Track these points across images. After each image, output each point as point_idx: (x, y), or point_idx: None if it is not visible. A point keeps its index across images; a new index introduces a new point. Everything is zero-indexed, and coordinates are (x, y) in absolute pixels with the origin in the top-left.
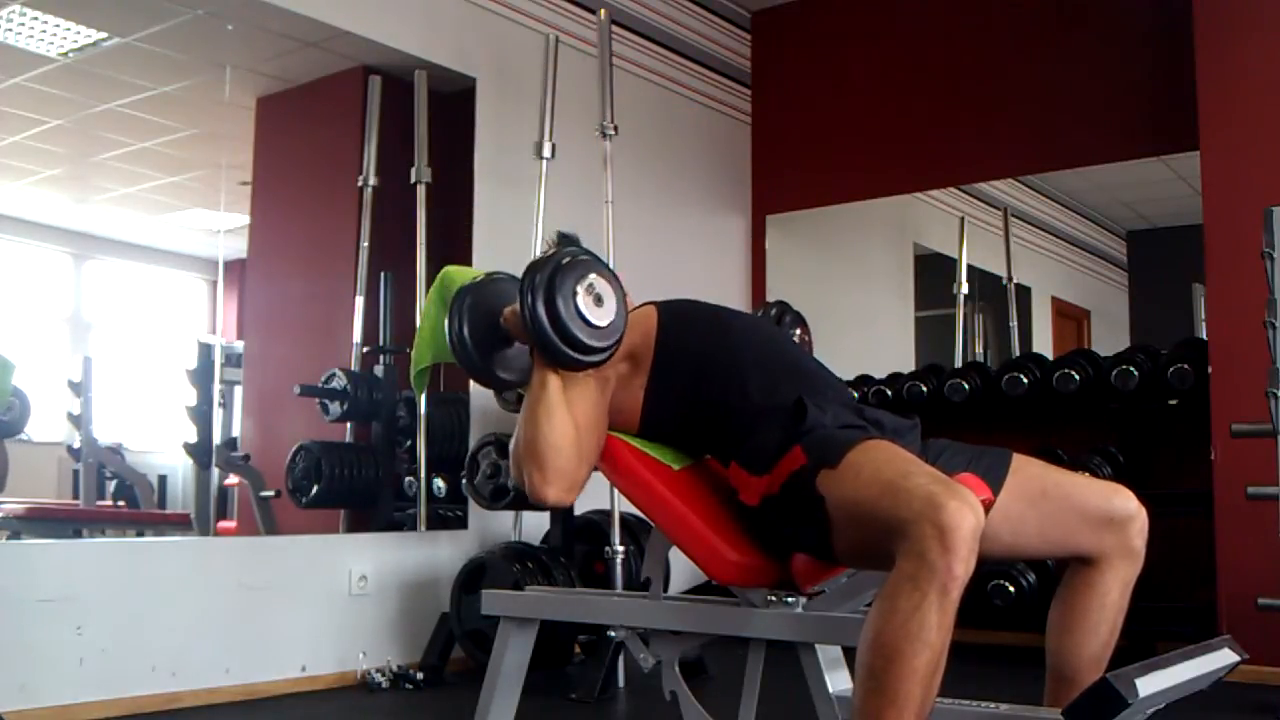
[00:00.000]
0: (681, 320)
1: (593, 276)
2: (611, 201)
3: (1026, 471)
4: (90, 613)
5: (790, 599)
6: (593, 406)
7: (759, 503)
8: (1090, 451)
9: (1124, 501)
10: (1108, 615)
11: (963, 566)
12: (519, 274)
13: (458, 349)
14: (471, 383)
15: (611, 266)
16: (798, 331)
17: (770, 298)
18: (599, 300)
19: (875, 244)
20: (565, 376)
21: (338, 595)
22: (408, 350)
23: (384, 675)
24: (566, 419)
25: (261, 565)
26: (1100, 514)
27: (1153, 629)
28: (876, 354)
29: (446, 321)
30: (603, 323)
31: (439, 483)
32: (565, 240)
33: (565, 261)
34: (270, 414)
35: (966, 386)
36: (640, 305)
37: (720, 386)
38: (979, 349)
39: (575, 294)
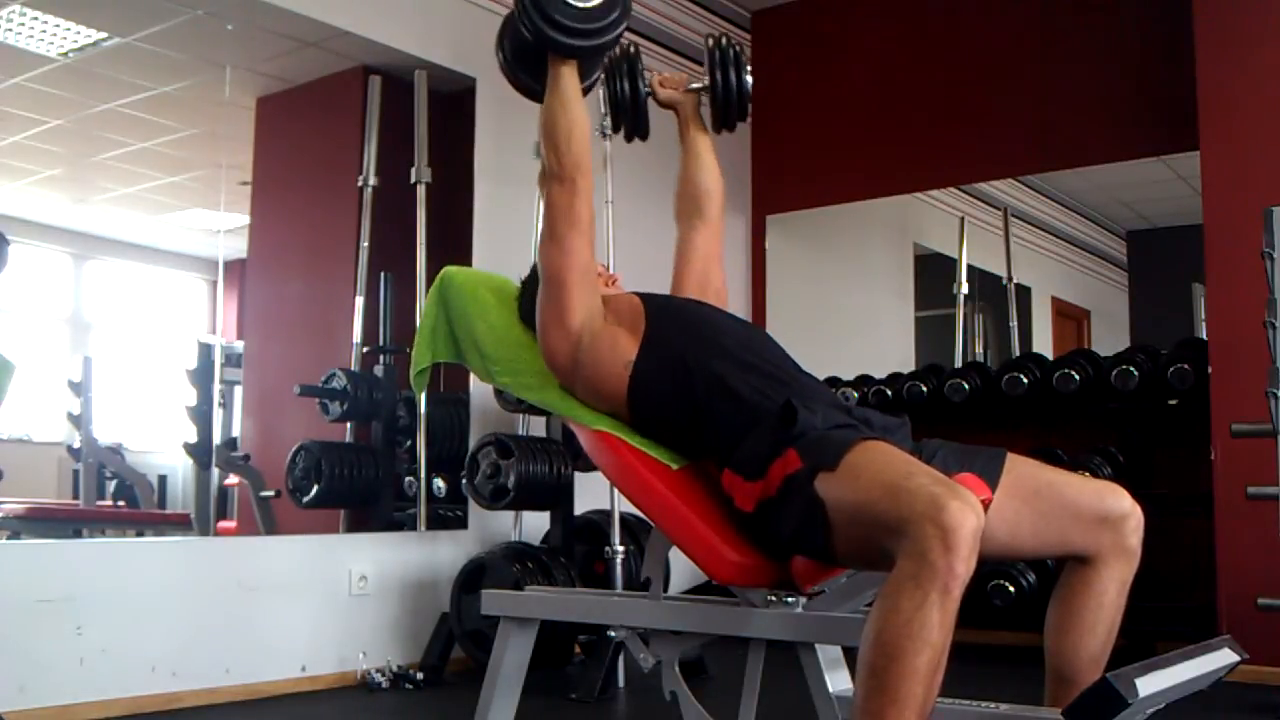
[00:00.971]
0: (666, 318)
1: None
2: (611, 201)
3: (1021, 471)
4: (90, 613)
5: (790, 599)
6: (592, 239)
7: (754, 508)
8: (1090, 451)
9: (1118, 500)
10: (1105, 614)
11: (964, 566)
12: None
13: (506, 70)
14: (472, 383)
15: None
16: (749, 67)
17: (770, 298)
18: None
19: (875, 244)
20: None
21: (338, 595)
22: (408, 350)
23: (384, 675)
24: (581, 110)
25: (261, 565)
26: (1095, 513)
27: (1153, 629)
28: (876, 354)
29: (498, 47)
30: (589, 3)
31: (439, 483)
32: None
33: None
34: (270, 414)
35: (966, 386)
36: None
37: (705, 389)
38: (979, 349)
39: None
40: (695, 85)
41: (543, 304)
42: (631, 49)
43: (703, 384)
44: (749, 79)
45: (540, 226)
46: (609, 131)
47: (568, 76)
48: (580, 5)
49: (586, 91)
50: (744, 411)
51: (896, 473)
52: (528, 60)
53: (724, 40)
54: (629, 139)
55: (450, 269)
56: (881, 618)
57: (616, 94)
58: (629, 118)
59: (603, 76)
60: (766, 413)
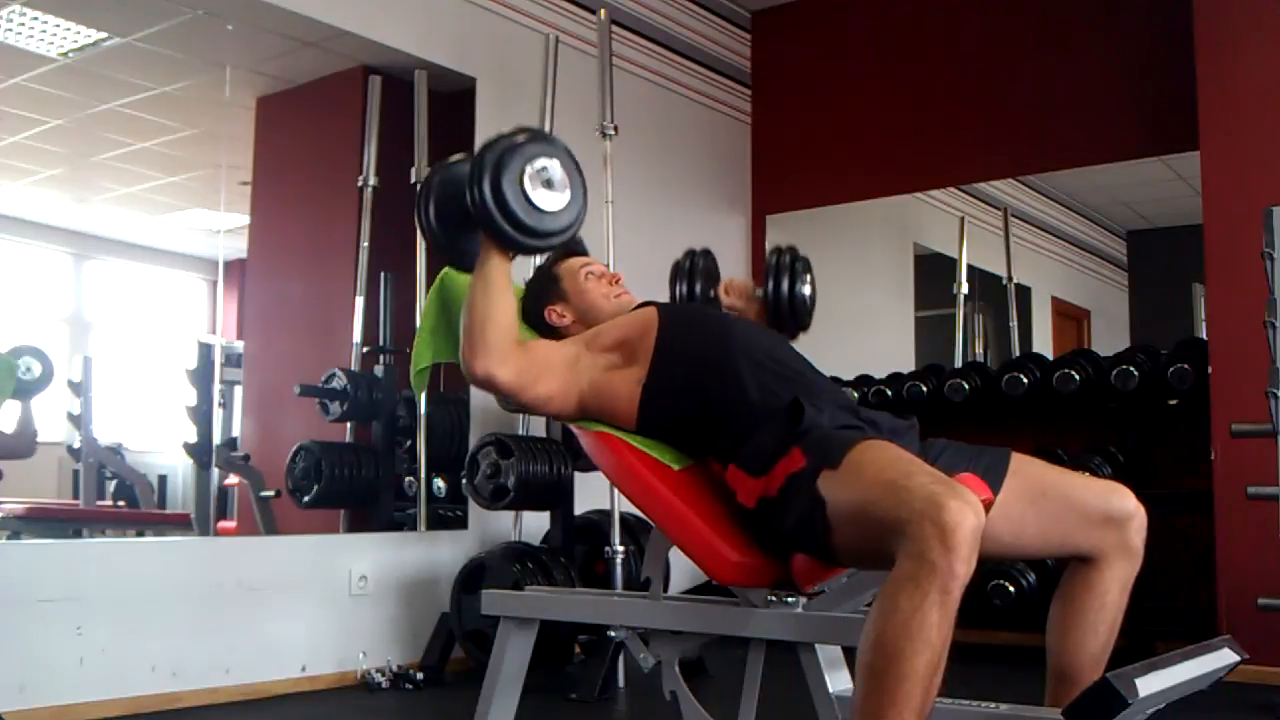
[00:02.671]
0: (681, 322)
1: (543, 160)
2: (611, 201)
3: (1025, 471)
4: (90, 613)
5: (790, 599)
6: (561, 350)
7: (756, 504)
8: (1090, 451)
9: (1122, 500)
10: (1107, 614)
11: (964, 566)
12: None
13: (426, 230)
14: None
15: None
16: (808, 276)
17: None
18: (549, 184)
19: (875, 244)
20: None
21: (338, 595)
22: (408, 350)
23: (384, 675)
24: (508, 299)
25: (261, 565)
26: (1099, 513)
27: (1153, 629)
28: (876, 354)
29: (417, 201)
30: (550, 207)
31: (439, 483)
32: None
33: (519, 140)
34: (270, 414)
35: (966, 386)
36: (641, 305)
37: (718, 389)
38: (979, 349)
39: (522, 174)
40: (759, 292)
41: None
42: (699, 255)
43: (716, 383)
44: (806, 290)
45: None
46: (609, 132)
47: (499, 263)
48: (544, 209)
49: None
50: (752, 409)
51: (897, 472)
52: (453, 222)
53: (785, 252)
54: None
55: (450, 269)
56: (880, 618)
57: (680, 298)
58: None
59: (670, 278)
60: (774, 411)
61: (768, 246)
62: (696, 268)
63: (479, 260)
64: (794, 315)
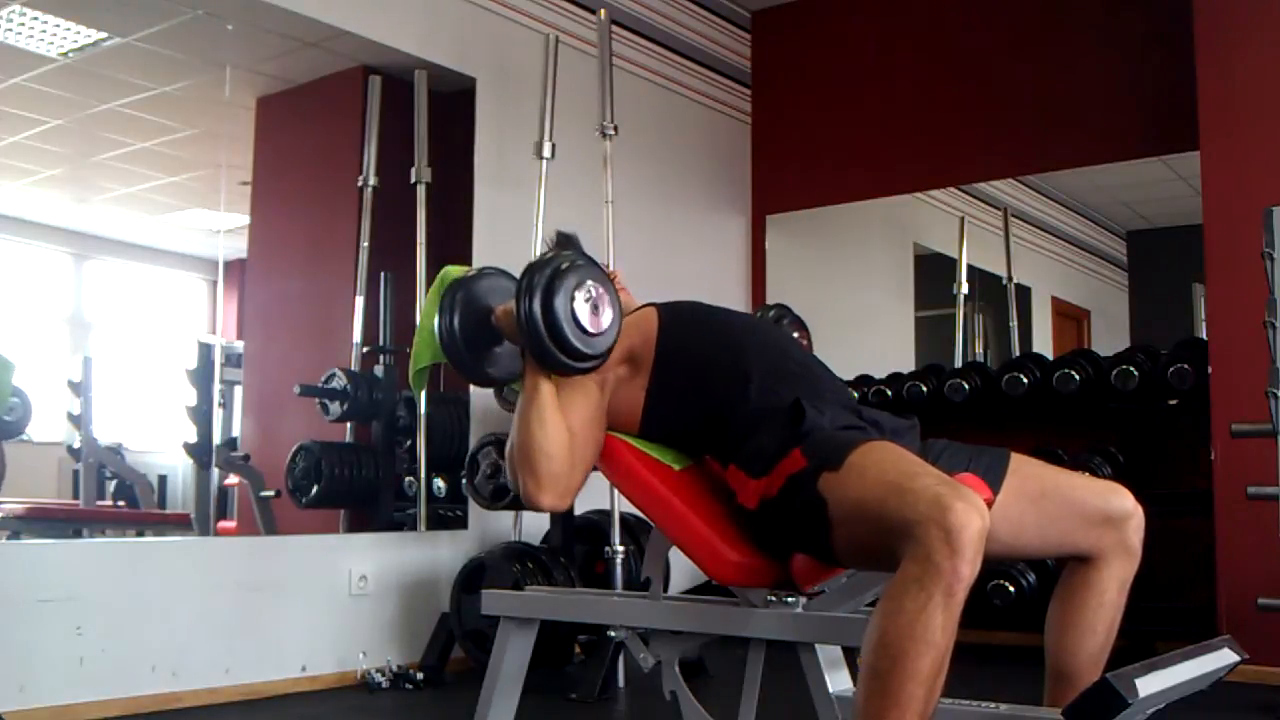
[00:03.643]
0: (682, 322)
1: (590, 282)
2: (611, 201)
3: (1025, 471)
4: (90, 613)
5: (790, 599)
6: (590, 408)
7: (757, 505)
8: (1090, 451)
9: (1121, 500)
10: (1106, 614)
11: (969, 568)
12: (515, 271)
13: (447, 344)
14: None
15: (610, 266)
16: (796, 335)
17: (770, 298)
18: (595, 307)
19: (875, 244)
20: (560, 380)
21: (338, 595)
22: (407, 350)
23: (384, 675)
24: (560, 424)
25: (261, 565)
26: (1098, 513)
27: (1153, 629)
28: (876, 354)
29: (437, 316)
30: (598, 330)
31: (439, 483)
32: (564, 240)
33: (564, 266)
34: (270, 414)
35: (966, 386)
36: (640, 306)
37: (721, 388)
38: (979, 349)
39: (573, 299)
40: None
41: None
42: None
43: (717, 381)
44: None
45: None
46: (609, 132)
47: (547, 388)
48: (593, 331)
49: None
50: (753, 409)
51: (901, 473)
52: (477, 338)
53: (774, 310)
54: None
55: (450, 269)
56: (885, 619)
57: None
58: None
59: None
60: (775, 411)
61: (768, 246)
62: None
63: (526, 387)
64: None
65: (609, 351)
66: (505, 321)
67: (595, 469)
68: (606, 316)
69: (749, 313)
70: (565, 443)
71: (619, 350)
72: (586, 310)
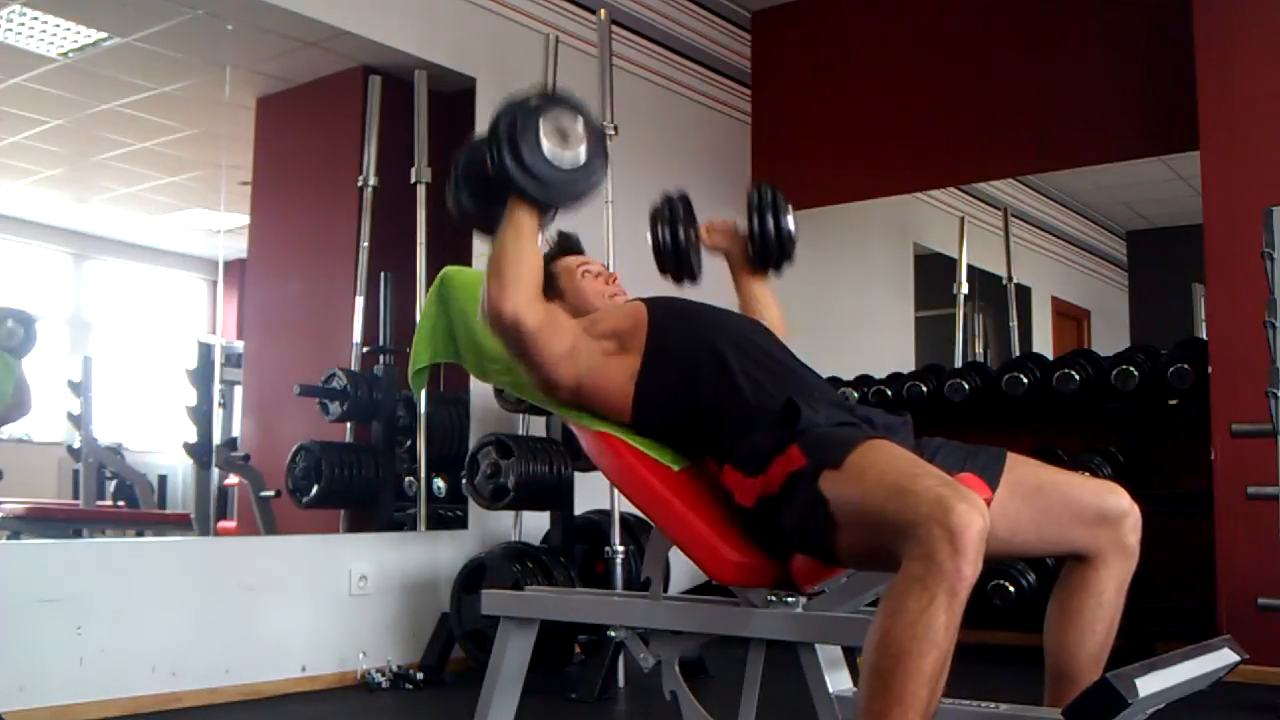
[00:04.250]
0: (671, 319)
1: (560, 114)
2: (611, 201)
3: (1021, 470)
4: (90, 613)
5: (790, 599)
6: (567, 322)
7: (755, 504)
8: (1090, 451)
9: (1117, 499)
10: (1104, 613)
11: (971, 568)
12: None
13: (459, 210)
14: (472, 383)
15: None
16: (790, 213)
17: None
18: (564, 137)
19: (875, 244)
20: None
21: (338, 595)
22: (408, 350)
23: (384, 675)
24: (534, 245)
25: (261, 565)
26: (1094, 511)
27: (1152, 629)
28: (876, 354)
29: (448, 187)
30: (565, 163)
31: (439, 483)
32: (565, 240)
33: (531, 102)
34: (270, 414)
35: (966, 386)
36: (629, 300)
37: (711, 387)
38: (979, 349)
39: (538, 130)
40: (743, 231)
41: (533, 382)
42: (676, 198)
43: (708, 381)
44: (789, 223)
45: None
46: (609, 132)
47: (526, 218)
48: (561, 167)
49: (542, 228)
50: (746, 408)
51: (902, 474)
52: (482, 191)
53: (764, 188)
54: (678, 283)
55: (450, 269)
56: (887, 619)
57: (663, 242)
58: (675, 264)
59: (650, 223)
60: (769, 409)
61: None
62: (676, 213)
63: (508, 212)
64: (780, 250)
65: (585, 185)
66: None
67: (595, 469)
68: (578, 150)
69: (738, 312)
70: (538, 262)
71: (606, 326)
72: (555, 138)
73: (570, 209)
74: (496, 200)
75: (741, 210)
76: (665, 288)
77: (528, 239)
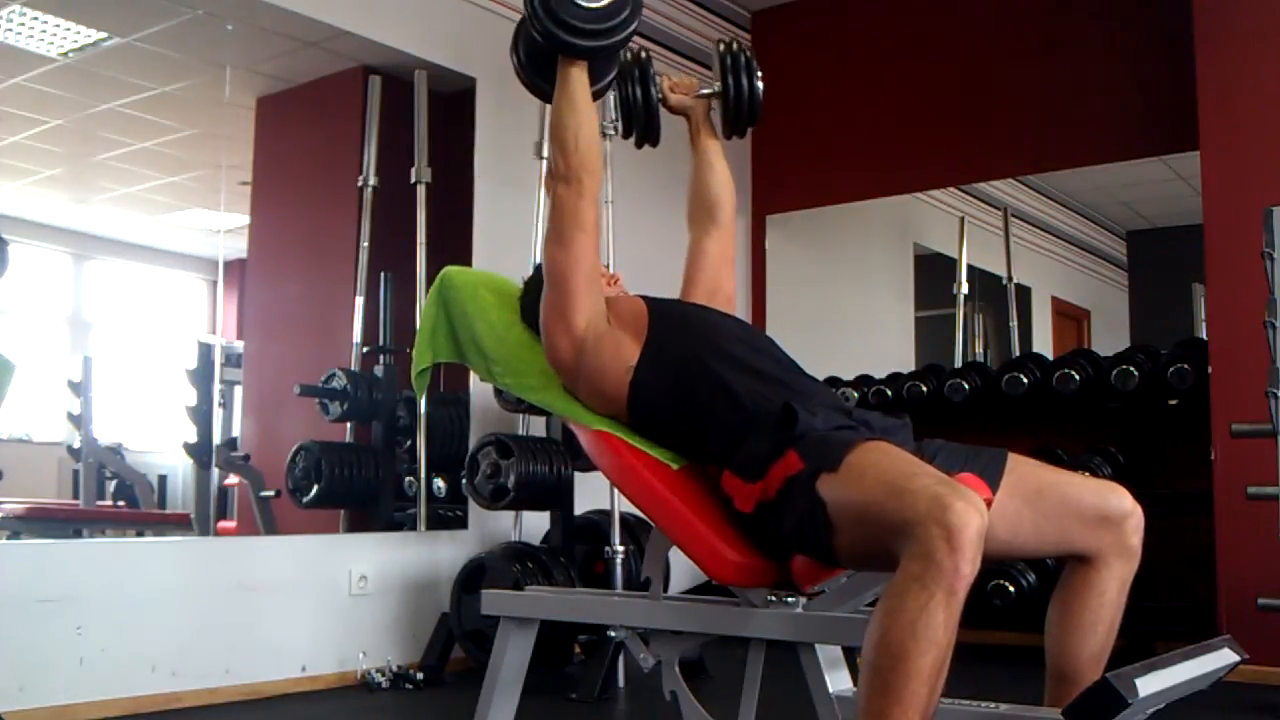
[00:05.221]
0: (668, 321)
1: None
2: (611, 201)
3: (1022, 471)
4: (90, 613)
5: (790, 599)
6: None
7: (754, 509)
8: (1090, 451)
9: (1119, 500)
10: (1106, 614)
11: (970, 566)
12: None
13: (520, 69)
14: (472, 383)
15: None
16: (759, 72)
17: (770, 298)
18: None
19: (875, 244)
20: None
21: (338, 595)
22: (408, 350)
23: (384, 675)
24: (590, 111)
25: (261, 565)
26: (1096, 512)
27: (1153, 629)
28: (876, 354)
29: (512, 56)
30: (595, 4)
31: (439, 483)
32: None
33: None
34: (270, 414)
35: (966, 386)
36: (632, 297)
37: (707, 394)
38: (979, 349)
39: None
40: (706, 91)
41: (547, 305)
42: (643, 54)
43: (704, 387)
44: (760, 84)
45: (545, 228)
46: (609, 132)
47: (577, 77)
48: (590, 5)
49: (598, 95)
50: (743, 413)
51: (899, 473)
52: (541, 63)
53: (734, 45)
54: (639, 145)
55: (450, 269)
56: (886, 618)
57: (628, 99)
58: (640, 124)
59: (614, 81)
60: (766, 415)
61: (768, 246)
62: (646, 71)
63: (559, 80)
64: (752, 111)
65: (624, 27)
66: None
67: (595, 469)
68: None
69: (735, 315)
70: (595, 129)
71: (614, 305)
72: None
73: (611, 54)
74: (547, 66)
75: (740, 211)
76: (665, 289)
77: (583, 104)
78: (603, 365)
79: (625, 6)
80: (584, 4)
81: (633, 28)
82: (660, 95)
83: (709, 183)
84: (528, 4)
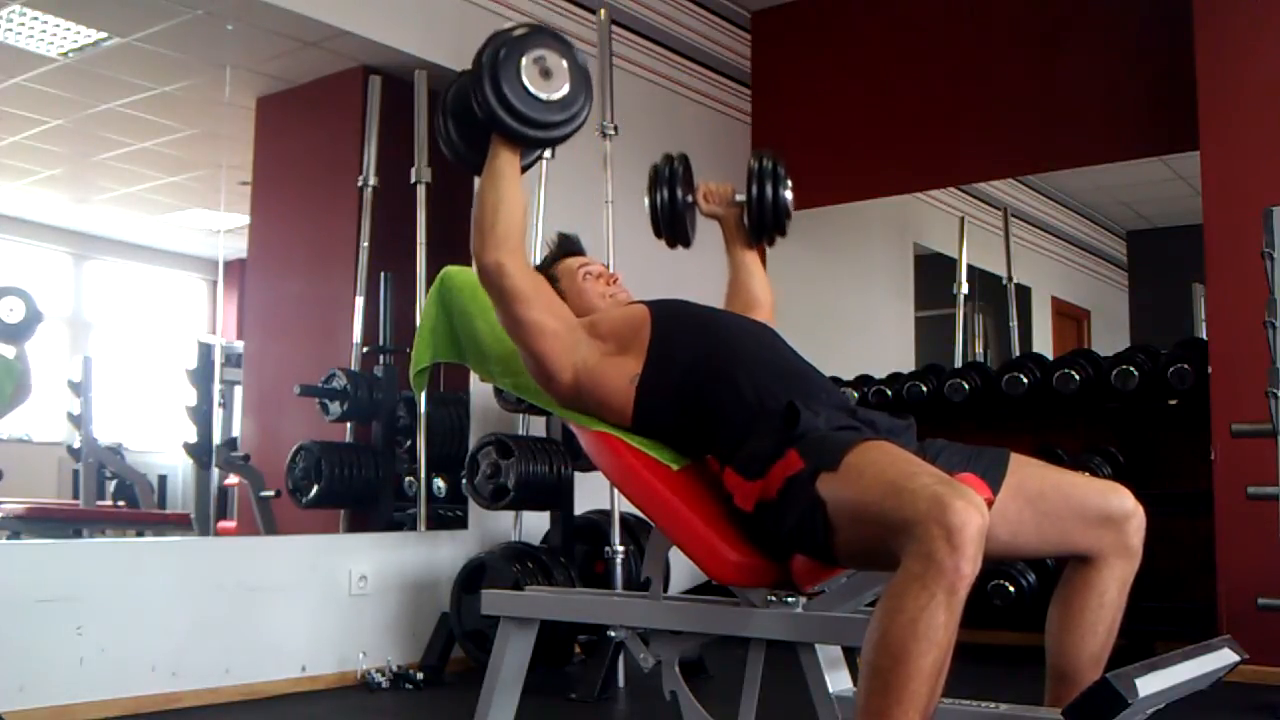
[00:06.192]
0: (673, 322)
1: (542, 49)
2: (611, 201)
3: (1024, 471)
4: (90, 613)
5: (790, 599)
6: (561, 306)
7: (754, 508)
8: (1090, 451)
9: (1121, 500)
10: (1106, 614)
11: (970, 566)
12: None
13: (445, 140)
14: (472, 383)
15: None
16: (789, 182)
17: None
18: (546, 73)
19: (875, 244)
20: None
21: (338, 595)
22: (408, 350)
23: (384, 675)
24: (516, 191)
25: (261, 565)
26: (1098, 512)
27: (1153, 629)
28: (876, 354)
29: (440, 119)
30: (547, 96)
31: (439, 483)
32: (565, 241)
33: (516, 34)
34: (270, 414)
35: (966, 386)
36: (632, 303)
37: (712, 390)
38: (979, 349)
39: (520, 64)
40: (740, 198)
41: (529, 368)
42: (677, 160)
43: (710, 384)
44: (787, 194)
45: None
46: (609, 132)
47: (509, 160)
48: (545, 98)
49: (525, 169)
50: (747, 411)
51: (899, 472)
52: (471, 131)
53: (765, 158)
54: (671, 247)
55: (450, 269)
56: (887, 618)
57: (659, 204)
58: (670, 228)
59: (648, 184)
60: (769, 413)
61: (767, 247)
62: (676, 175)
63: (489, 156)
64: (776, 221)
65: (568, 123)
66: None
67: (595, 469)
68: (560, 85)
69: (743, 315)
70: (520, 207)
71: (606, 327)
72: (535, 73)
73: (549, 146)
74: (479, 137)
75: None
76: (665, 289)
77: (508, 184)
78: (604, 394)
79: (579, 100)
80: (539, 94)
81: (584, 119)
82: (692, 201)
83: (749, 287)
84: (477, 80)
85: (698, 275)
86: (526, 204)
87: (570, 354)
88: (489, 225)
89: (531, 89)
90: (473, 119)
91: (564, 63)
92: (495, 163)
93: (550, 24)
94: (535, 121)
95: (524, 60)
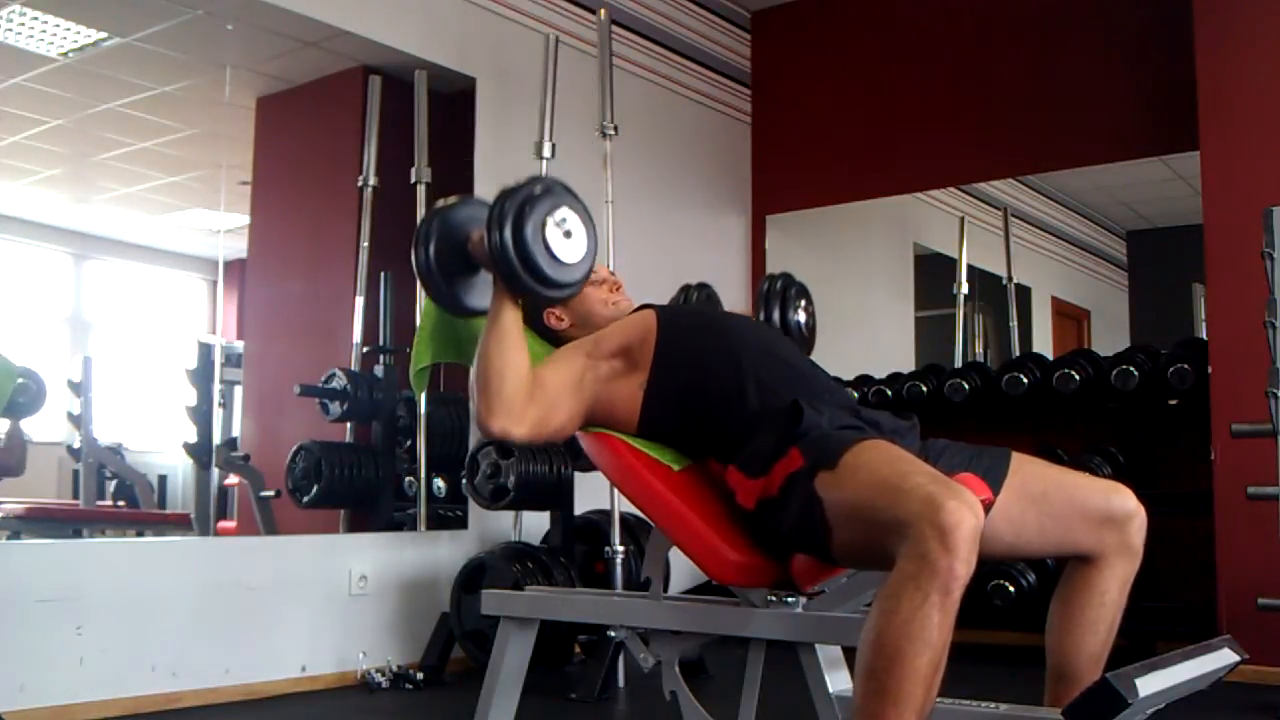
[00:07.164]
0: (680, 325)
1: (564, 210)
2: (611, 201)
3: (1026, 471)
4: (90, 613)
5: (790, 599)
6: (572, 374)
7: (755, 505)
8: (1090, 451)
9: (1123, 500)
10: (1107, 613)
11: (964, 566)
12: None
13: (422, 272)
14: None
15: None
16: (802, 304)
17: None
18: (568, 234)
19: (875, 244)
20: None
21: (338, 595)
22: (408, 350)
23: (384, 675)
24: (520, 351)
25: (261, 565)
26: (1100, 512)
27: (1153, 629)
28: (876, 354)
29: (412, 244)
30: (570, 258)
31: (439, 483)
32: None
33: (538, 192)
34: (270, 414)
35: (966, 386)
36: (638, 308)
37: (718, 391)
38: (979, 349)
39: (544, 225)
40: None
41: None
42: (696, 289)
43: (715, 384)
44: (801, 318)
45: None
46: (609, 132)
47: (512, 315)
48: (567, 261)
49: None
50: (753, 411)
51: (894, 472)
52: (456, 268)
53: (778, 279)
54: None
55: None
56: (881, 618)
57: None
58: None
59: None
60: (774, 411)
61: (768, 246)
62: (692, 302)
63: (491, 311)
64: (800, 341)
65: (583, 280)
66: (480, 249)
67: (595, 469)
68: (580, 245)
69: (746, 314)
70: (524, 370)
71: (613, 343)
72: (559, 237)
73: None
74: (466, 277)
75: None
76: (665, 289)
77: (512, 346)
78: (615, 409)
79: (592, 256)
80: (565, 259)
81: (589, 272)
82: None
83: None
84: (496, 231)
85: (697, 275)
86: (528, 358)
87: (582, 409)
88: (494, 391)
89: (557, 253)
90: (460, 259)
91: (580, 221)
92: (500, 322)
93: (562, 182)
94: (557, 283)
95: (549, 222)
